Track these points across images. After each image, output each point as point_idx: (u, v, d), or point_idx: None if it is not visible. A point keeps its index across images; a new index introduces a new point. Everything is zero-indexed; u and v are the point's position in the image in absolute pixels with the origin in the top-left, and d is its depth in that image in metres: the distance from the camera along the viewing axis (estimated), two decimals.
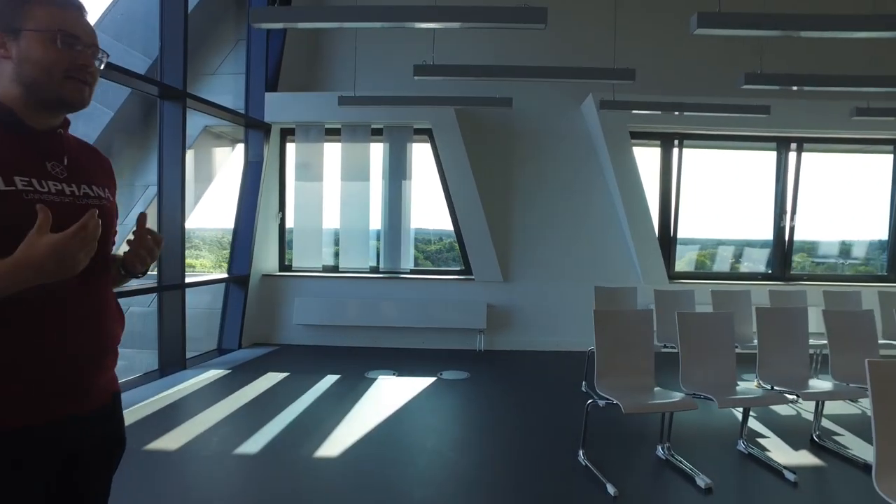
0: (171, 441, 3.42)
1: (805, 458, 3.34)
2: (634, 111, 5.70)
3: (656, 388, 3.28)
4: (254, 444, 3.43)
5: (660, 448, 3.35)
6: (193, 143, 6.56)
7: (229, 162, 7.31)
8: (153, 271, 5.51)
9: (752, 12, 3.20)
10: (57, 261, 1.02)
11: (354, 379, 5.03)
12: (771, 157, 6.65)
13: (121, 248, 1.42)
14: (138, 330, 6.48)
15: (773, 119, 5.52)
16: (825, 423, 3.76)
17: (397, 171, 6.73)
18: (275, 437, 3.57)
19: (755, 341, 4.48)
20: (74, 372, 1.17)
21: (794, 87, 4.51)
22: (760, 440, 3.59)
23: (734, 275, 7.04)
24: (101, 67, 1.24)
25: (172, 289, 5.09)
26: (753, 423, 3.78)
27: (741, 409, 3.59)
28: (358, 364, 5.53)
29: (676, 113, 5.79)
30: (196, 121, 5.96)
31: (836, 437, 3.65)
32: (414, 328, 6.40)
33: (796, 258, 6.90)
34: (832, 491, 2.98)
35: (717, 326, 3.45)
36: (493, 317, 6.42)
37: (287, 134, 6.81)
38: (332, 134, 6.65)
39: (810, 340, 3.78)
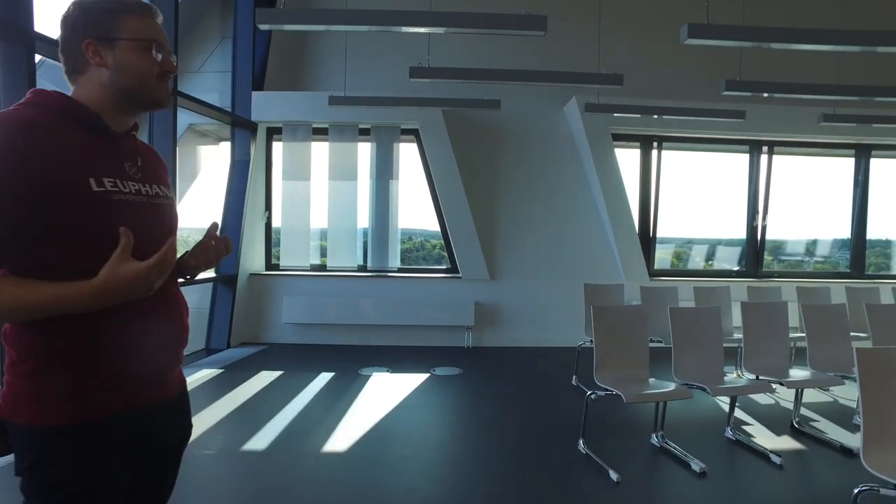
0: None
1: (787, 442, 3.57)
2: (616, 114, 5.91)
3: (651, 380, 3.46)
4: (260, 441, 3.47)
5: (654, 436, 3.53)
6: (178, 140, 6.48)
7: (214, 160, 7.25)
8: None
9: (739, 25, 3.39)
10: (136, 287, 1.07)
11: (349, 376, 5.08)
12: (744, 159, 6.97)
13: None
14: None
15: (746, 123, 5.80)
16: (802, 410, 4.01)
17: (384, 171, 6.80)
18: (280, 434, 3.62)
19: (734, 335, 4.77)
20: (156, 361, 1.24)
21: (765, 95, 4.76)
22: (745, 427, 3.81)
23: (709, 272, 7.34)
24: None
25: None
26: (737, 412, 4.00)
27: (727, 399, 3.81)
28: (350, 361, 5.58)
29: (655, 116, 6.02)
30: (181, 118, 5.90)
31: (812, 423, 3.90)
32: (402, 326, 6.48)
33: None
34: (815, 472, 3.20)
35: (706, 320, 3.65)
36: (481, 314, 6.56)
37: (273, 133, 6.80)
38: (320, 133, 6.67)
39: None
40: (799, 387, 3.60)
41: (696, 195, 7.09)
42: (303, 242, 6.70)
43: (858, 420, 3.90)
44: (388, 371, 5.31)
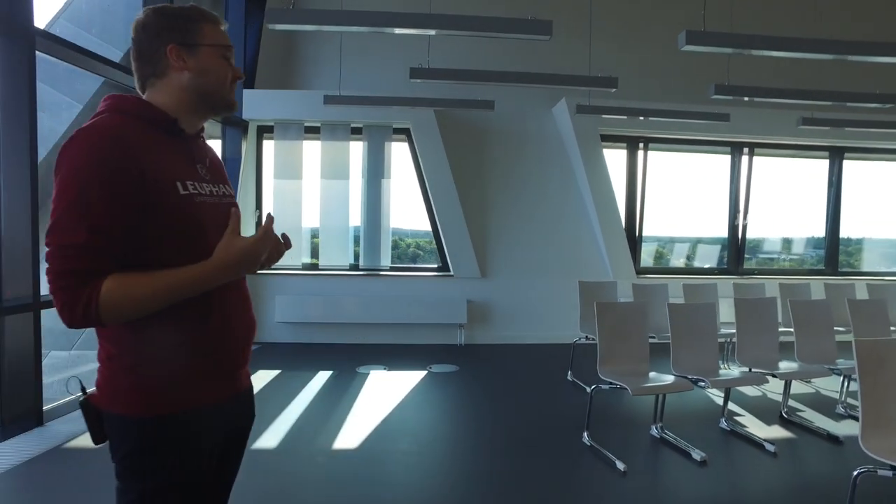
0: None
1: (778, 432, 3.75)
2: (605, 115, 6.05)
3: (651, 373, 3.59)
4: (270, 439, 3.49)
5: (654, 427, 3.67)
6: None
7: None
8: None
9: (734, 33, 3.55)
10: (248, 262, 1.18)
11: (347, 374, 5.12)
12: (726, 160, 7.21)
13: None
14: None
15: (728, 125, 6.01)
16: (789, 401, 4.20)
17: (376, 170, 6.83)
18: (289, 431, 3.65)
19: (722, 330, 4.95)
20: (234, 354, 1.30)
21: (747, 98, 4.95)
22: (737, 418, 3.98)
23: (693, 269, 7.57)
24: None
25: None
26: (729, 404, 4.16)
27: (717, 392, 3.98)
28: (346, 360, 5.61)
29: (642, 118, 6.18)
30: None
31: (799, 413, 4.10)
32: (395, 324, 6.52)
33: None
34: (806, 458, 3.38)
35: (702, 316, 3.80)
36: (473, 312, 6.65)
37: (264, 131, 6.77)
38: (311, 132, 6.67)
39: None
40: (790, 378, 3.78)
41: (680, 195, 7.30)
42: (294, 241, 6.63)
43: (841, 409, 4.14)
44: (385, 369, 5.36)
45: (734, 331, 4.60)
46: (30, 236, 3.54)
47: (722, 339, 4.88)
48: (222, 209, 1.30)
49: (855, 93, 5.18)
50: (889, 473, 2.27)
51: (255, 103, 6.41)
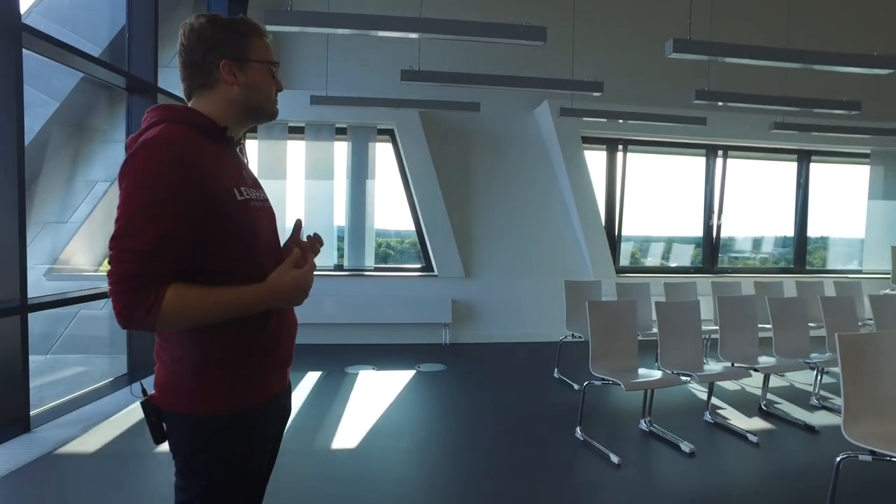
0: None
1: (759, 423, 3.92)
2: (586, 118, 6.19)
3: (640, 369, 3.72)
4: None
5: (643, 422, 3.80)
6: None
7: None
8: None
9: (719, 42, 3.70)
10: (301, 289, 1.25)
11: (336, 374, 5.13)
12: (701, 162, 7.45)
13: None
14: (86, 335, 6.16)
15: (704, 129, 6.23)
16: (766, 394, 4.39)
17: (360, 171, 6.84)
18: (286, 432, 3.64)
19: (703, 326, 5.13)
20: (287, 351, 1.35)
21: (721, 104, 5.16)
22: (720, 411, 4.15)
23: (669, 268, 7.79)
24: None
25: None
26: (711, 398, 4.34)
27: (700, 386, 4.14)
28: (334, 360, 5.62)
29: (621, 121, 6.35)
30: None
31: (777, 405, 4.29)
32: (380, 324, 6.55)
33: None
34: (787, 448, 3.55)
35: (687, 313, 3.95)
36: (457, 311, 6.72)
37: (248, 131, 6.68)
38: (295, 132, 6.64)
39: None
40: (770, 372, 3.96)
41: (657, 196, 7.51)
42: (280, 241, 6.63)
43: (815, 401, 4.35)
44: (374, 369, 5.38)
45: (713, 327, 4.81)
46: (16, 237, 3.46)
47: (702, 336, 5.06)
48: (265, 213, 1.36)
49: (822, 100, 5.44)
50: (869, 458, 2.42)
51: None
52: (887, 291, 6.62)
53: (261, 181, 1.46)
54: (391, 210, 7.06)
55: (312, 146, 6.68)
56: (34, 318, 3.70)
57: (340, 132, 6.73)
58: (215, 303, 1.15)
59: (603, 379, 3.49)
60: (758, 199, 7.74)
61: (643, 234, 7.88)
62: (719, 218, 7.41)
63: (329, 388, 4.72)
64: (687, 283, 5.59)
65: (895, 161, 7.82)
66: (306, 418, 3.97)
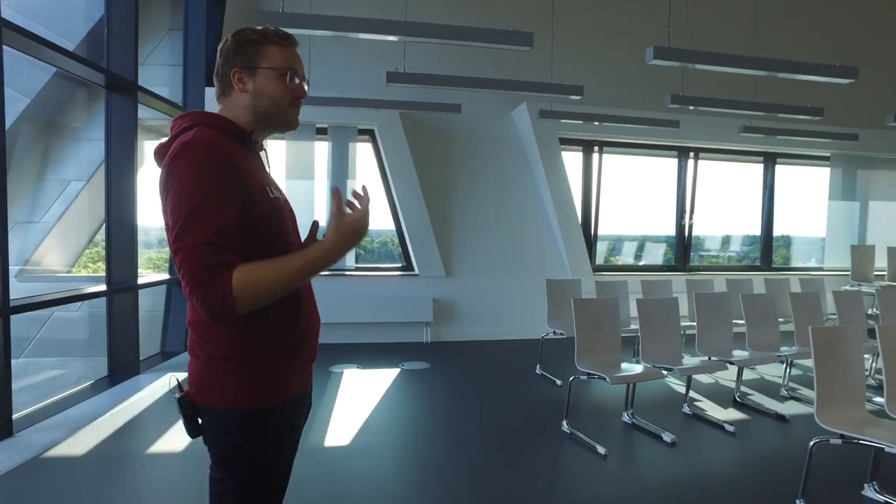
0: (174, 443, 3.40)
1: (733, 414, 4.11)
2: (564, 120, 6.34)
3: (623, 364, 3.86)
4: None
5: (625, 414, 3.94)
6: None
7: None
8: (101, 272, 5.19)
9: (696, 49, 3.86)
10: (359, 236, 1.26)
11: (321, 374, 5.14)
12: (673, 163, 7.69)
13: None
14: (60, 338, 6.01)
15: (677, 131, 6.45)
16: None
17: (341, 170, 6.85)
18: None
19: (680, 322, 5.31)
20: (312, 349, 1.42)
21: (692, 108, 5.35)
22: (697, 403, 4.33)
23: (643, 267, 8.02)
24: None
25: (125, 291, 4.85)
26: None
27: (679, 381, 4.30)
28: (317, 359, 5.61)
29: (596, 123, 6.51)
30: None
31: (749, 397, 4.50)
32: (361, 323, 6.57)
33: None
34: (761, 436, 3.73)
35: (666, 310, 4.11)
36: (438, 310, 6.79)
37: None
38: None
39: None
40: (745, 365, 4.16)
41: (631, 196, 7.73)
42: None
43: (785, 392, 4.56)
44: (358, 367, 5.42)
45: (689, 323, 5.00)
46: None
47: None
48: (289, 212, 1.41)
49: (788, 105, 5.70)
50: (839, 441, 2.60)
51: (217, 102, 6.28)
52: (847, 287, 6.97)
53: None
54: (372, 210, 7.08)
55: (293, 146, 6.66)
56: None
57: (321, 132, 6.73)
58: (286, 267, 1.17)
59: (589, 373, 3.61)
60: (726, 199, 8.04)
61: (617, 233, 8.09)
62: (691, 217, 7.66)
63: (315, 387, 4.69)
64: (663, 280, 5.78)
65: (853, 164, 8.22)
66: None
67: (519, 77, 6.16)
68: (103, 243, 5.69)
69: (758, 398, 4.49)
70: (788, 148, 7.75)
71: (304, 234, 1.52)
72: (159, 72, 6.55)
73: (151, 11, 6.65)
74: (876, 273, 7.72)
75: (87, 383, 4.65)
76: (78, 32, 5.81)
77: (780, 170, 8.09)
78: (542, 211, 7.15)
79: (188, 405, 1.25)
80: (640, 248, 8.28)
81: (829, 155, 8.08)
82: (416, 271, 6.84)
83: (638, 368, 3.77)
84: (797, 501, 2.71)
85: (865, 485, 2.86)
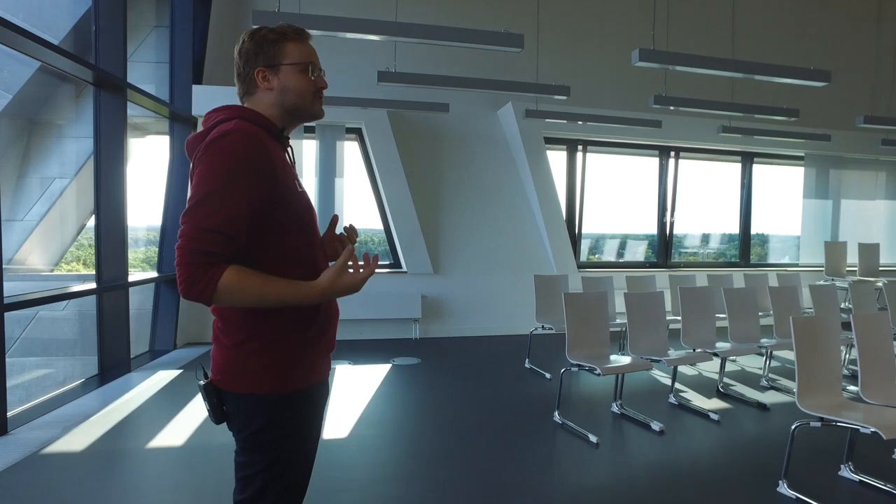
0: (173, 437, 3.41)
1: (717, 403, 4.27)
2: (549, 119, 6.46)
3: (612, 356, 3.98)
4: None
5: (614, 405, 4.06)
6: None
7: (141, 156, 6.88)
8: (91, 271, 5.15)
9: (680, 52, 4.00)
10: (349, 292, 1.30)
11: None
12: (654, 162, 7.88)
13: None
14: (45, 337, 5.93)
15: (658, 131, 6.63)
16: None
17: (329, 169, 6.88)
18: None
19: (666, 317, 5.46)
20: (332, 337, 1.48)
21: (673, 108, 5.52)
22: (682, 394, 4.47)
23: (626, 263, 8.19)
24: None
25: (115, 289, 4.83)
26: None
27: (665, 373, 4.44)
28: None
29: (581, 123, 6.64)
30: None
31: (732, 387, 4.67)
32: (350, 320, 6.60)
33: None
34: (744, 424, 3.89)
35: (652, 304, 4.24)
36: (427, 307, 6.87)
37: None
38: None
39: None
40: (728, 356, 4.32)
41: (614, 194, 7.89)
42: None
43: (765, 382, 4.74)
44: (350, 363, 5.46)
45: (672, 318, 5.15)
46: None
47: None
48: (310, 204, 1.47)
49: (765, 106, 5.91)
50: (818, 424, 2.74)
51: (205, 99, 6.26)
52: (821, 282, 7.24)
53: None
54: (359, 208, 7.14)
55: None
56: None
57: (309, 130, 6.75)
58: (273, 289, 1.21)
59: (580, 365, 3.72)
60: (705, 197, 8.26)
61: (600, 231, 8.25)
62: (672, 215, 7.86)
63: None
64: (647, 276, 5.94)
65: (826, 164, 8.51)
66: None
67: (505, 77, 6.28)
68: (87, 242, 5.64)
69: (740, 388, 4.66)
70: (765, 148, 8.00)
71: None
72: (145, 69, 6.50)
73: (137, 8, 6.60)
74: (848, 269, 8.02)
75: (78, 381, 4.62)
76: (62, 28, 5.75)
77: (757, 169, 8.33)
78: (528, 209, 7.27)
79: (213, 392, 1.30)
80: (622, 246, 8.45)
81: (803, 155, 8.36)
82: (405, 268, 6.90)
83: (626, 360, 3.89)
84: (780, 482, 2.85)
85: (842, 465, 3.02)
